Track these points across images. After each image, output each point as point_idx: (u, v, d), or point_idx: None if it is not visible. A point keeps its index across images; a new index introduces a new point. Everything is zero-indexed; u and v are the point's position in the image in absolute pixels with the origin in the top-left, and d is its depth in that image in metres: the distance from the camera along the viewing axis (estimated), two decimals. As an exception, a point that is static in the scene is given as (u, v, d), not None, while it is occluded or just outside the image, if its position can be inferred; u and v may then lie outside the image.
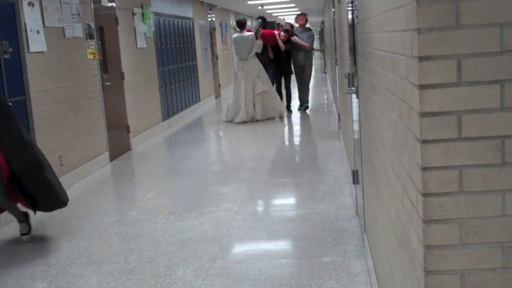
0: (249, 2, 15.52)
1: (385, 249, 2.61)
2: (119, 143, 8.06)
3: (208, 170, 7.18)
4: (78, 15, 6.90)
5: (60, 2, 6.45)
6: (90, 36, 7.21)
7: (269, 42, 10.80)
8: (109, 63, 7.90)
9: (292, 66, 11.42)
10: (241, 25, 10.70)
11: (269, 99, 10.40)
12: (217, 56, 15.73)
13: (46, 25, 6.11)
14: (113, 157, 7.74)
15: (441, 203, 1.57)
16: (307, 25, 11.93)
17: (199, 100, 13.26)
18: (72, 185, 6.44)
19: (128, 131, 8.51)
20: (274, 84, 10.94)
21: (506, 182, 1.54)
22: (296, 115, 11.08)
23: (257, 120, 10.26)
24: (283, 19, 25.46)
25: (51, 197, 4.63)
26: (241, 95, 10.24)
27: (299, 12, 12.61)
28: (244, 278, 3.68)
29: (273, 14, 23.00)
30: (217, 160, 8.08)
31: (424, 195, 1.57)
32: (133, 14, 9.10)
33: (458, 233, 1.58)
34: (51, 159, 6.03)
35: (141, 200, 5.77)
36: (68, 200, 4.81)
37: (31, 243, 4.64)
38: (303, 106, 11.48)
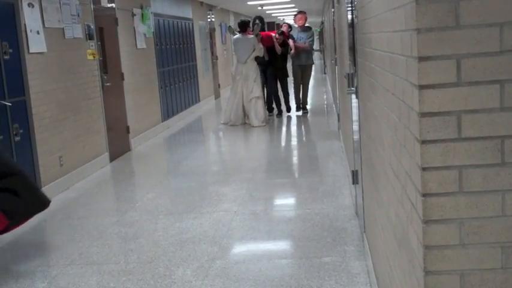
0: (249, 3, 15.53)
1: (385, 250, 2.61)
2: (118, 144, 8.06)
3: (208, 171, 7.18)
4: (78, 16, 6.90)
5: (60, 2, 6.45)
6: (89, 36, 7.21)
7: (265, 45, 10.50)
8: (109, 64, 7.90)
9: (292, 67, 11.06)
10: (243, 26, 10.35)
11: (261, 105, 10.11)
12: (216, 57, 15.73)
13: (46, 26, 6.11)
14: (112, 158, 7.74)
15: (441, 203, 1.57)
16: (307, 24, 11.58)
17: (199, 100, 13.26)
18: (72, 185, 6.44)
19: (128, 132, 8.51)
20: (265, 88, 10.62)
21: (505, 182, 1.54)
22: (296, 115, 10.98)
23: (245, 123, 10.10)
24: (283, 19, 25.47)
25: (26, 203, 4.24)
26: (238, 98, 10.08)
27: (297, 11, 12.02)
28: (244, 278, 3.68)
29: (273, 15, 23.01)
30: (217, 160, 8.08)
31: (424, 195, 1.57)
32: (133, 15, 9.10)
33: (458, 233, 1.58)
34: (51, 160, 6.05)
35: (140, 200, 5.77)
36: (47, 202, 4.43)
37: (31, 244, 4.64)
38: (302, 109, 11.12)
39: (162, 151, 9.00)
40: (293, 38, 10.97)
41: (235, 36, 10.52)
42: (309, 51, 11.14)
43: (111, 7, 8.23)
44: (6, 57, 5.36)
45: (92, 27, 7.30)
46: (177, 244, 4.36)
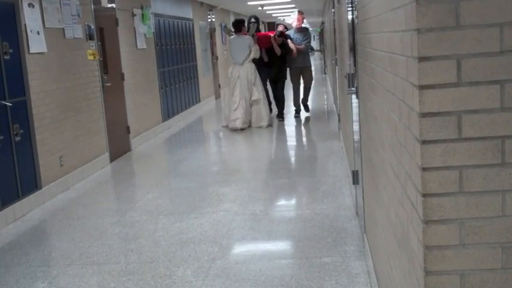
0: (249, 3, 15.52)
1: (385, 250, 2.61)
2: (119, 144, 8.06)
3: (208, 171, 7.18)
4: (78, 16, 6.90)
5: (60, 3, 6.46)
6: (90, 37, 7.21)
7: (263, 46, 10.15)
8: (109, 64, 7.90)
9: (288, 70, 10.69)
10: (238, 26, 10.05)
11: (262, 107, 9.83)
12: (217, 57, 15.74)
13: (46, 26, 6.11)
14: (113, 158, 7.74)
15: (441, 203, 1.57)
16: (304, 24, 11.20)
17: (199, 101, 13.27)
18: (72, 185, 6.44)
19: (128, 132, 8.51)
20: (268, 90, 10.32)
21: (506, 182, 1.54)
22: (295, 116, 10.84)
23: (249, 126, 9.80)
24: (283, 19, 25.48)
25: None
26: (238, 101, 9.70)
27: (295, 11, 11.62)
28: (244, 278, 3.68)
29: (273, 15, 23.02)
30: (217, 161, 8.08)
31: (424, 195, 1.57)
32: (133, 15, 9.10)
33: (458, 233, 1.57)
34: (51, 160, 6.06)
35: (141, 200, 5.77)
36: None
37: (32, 244, 4.64)
38: (302, 110, 10.79)
39: (162, 151, 9.00)
40: (290, 38, 10.54)
41: (231, 38, 10.23)
42: (305, 53, 10.73)
43: (112, 7, 8.23)
44: (6, 57, 5.36)
45: (92, 27, 7.31)
46: (177, 244, 4.36)
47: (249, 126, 9.81)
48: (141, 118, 9.13)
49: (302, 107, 10.94)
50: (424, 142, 1.55)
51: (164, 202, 5.69)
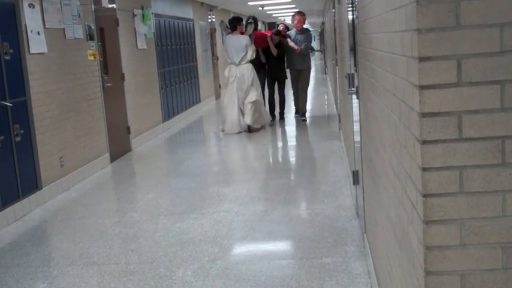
0: (250, 3, 15.53)
1: (385, 250, 2.61)
2: (119, 144, 8.06)
3: (208, 171, 7.18)
4: (79, 16, 6.90)
5: (60, 3, 6.46)
6: (90, 37, 7.21)
7: (260, 46, 9.78)
8: (109, 65, 7.90)
9: (288, 71, 10.40)
10: (234, 24, 9.59)
11: (259, 109, 9.44)
12: (217, 57, 15.74)
13: (46, 26, 6.12)
14: (113, 158, 7.75)
15: (441, 203, 1.57)
16: (305, 25, 10.84)
17: (200, 101, 13.27)
18: (72, 186, 6.44)
19: (129, 132, 8.52)
20: (266, 91, 10.02)
21: (506, 182, 1.54)
22: (295, 117, 10.85)
23: (245, 131, 9.37)
24: (284, 19, 25.49)
25: None
26: (234, 104, 9.34)
27: (295, 11, 10.91)
28: (245, 278, 3.68)
29: (273, 15, 23.02)
30: (217, 161, 8.08)
31: (424, 195, 1.57)
32: (134, 15, 9.10)
33: (458, 233, 1.57)
34: (51, 160, 6.06)
35: (141, 200, 5.77)
36: None
37: (32, 244, 4.64)
38: (300, 114, 10.46)
39: (162, 152, 9.00)
40: (290, 37, 10.21)
41: (226, 37, 9.81)
42: (304, 55, 10.34)
43: (112, 8, 8.23)
44: (6, 57, 5.36)
45: (93, 27, 7.31)
46: (177, 244, 4.36)
47: (245, 130, 9.39)
48: (142, 118, 9.13)
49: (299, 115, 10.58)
50: (424, 142, 1.55)
51: (164, 202, 5.69)
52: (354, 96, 4.32)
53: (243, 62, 9.38)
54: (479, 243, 1.57)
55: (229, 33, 9.74)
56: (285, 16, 23.89)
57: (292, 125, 10.31)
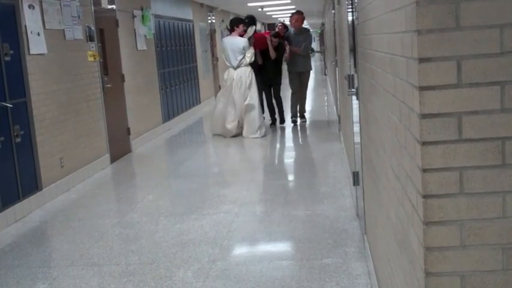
0: (249, 4, 15.54)
1: (386, 251, 2.61)
2: (119, 145, 8.06)
3: (208, 172, 7.18)
4: (79, 17, 6.90)
5: (60, 4, 6.46)
6: (90, 38, 7.22)
7: (258, 47, 9.34)
8: (109, 66, 7.91)
9: (288, 73, 9.98)
10: (232, 26, 9.25)
11: (254, 116, 9.00)
12: (217, 58, 15.74)
13: (46, 27, 6.12)
14: (113, 159, 7.74)
15: (441, 204, 1.57)
16: (304, 25, 10.48)
17: (200, 102, 13.27)
18: (72, 186, 6.44)
19: (129, 133, 8.52)
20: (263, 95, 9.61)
21: (506, 183, 1.54)
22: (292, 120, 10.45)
23: (241, 134, 9.06)
24: (283, 20, 25.49)
25: None
26: (233, 106, 8.98)
27: (294, 11, 10.46)
28: (245, 279, 3.68)
29: (273, 16, 23.03)
30: (217, 162, 8.08)
31: (425, 196, 1.57)
32: (134, 16, 9.10)
33: (458, 234, 1.57)
34: (51, 161, 6.06)
35: (141, 201, 5.77)
36: None
37: (32, 245, 4.64)
38: (300, 117, 10.13)
39: (162, 152, 9.00)
40: (289, 38, 9.76)
41: (224, 39, 9.43)
42: (306, 56, 9.96)
43: (112, 8, 8.24)
44: (6, 58, 5.36)
45: (93, 28, 7.31)
46: (177, 245, 4.36)
47: (241, 134, 9.07)
48: (142, 119, 9.13)
49: (298, 117, 10.21)
50: (424, 143, 1.55)
51: (165, 203, 5.69)
52: (354, 98, 4.32)
53: (241, 65, 9.02)
54: (480, 244, 1.57)
55: (227, 35, 9.50)
56: (285, 17, 23.89)
57: (292, 126, 10.30)
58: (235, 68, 9.04)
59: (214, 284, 3.64)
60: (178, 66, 11.66)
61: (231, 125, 9.04)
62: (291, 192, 5.91)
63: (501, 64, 1.49)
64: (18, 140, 5.46)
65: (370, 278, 3.48)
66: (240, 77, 8.97)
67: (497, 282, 1.58)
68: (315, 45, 36.79)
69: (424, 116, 1.54)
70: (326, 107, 12.92)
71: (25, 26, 5.71)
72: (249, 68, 9.05)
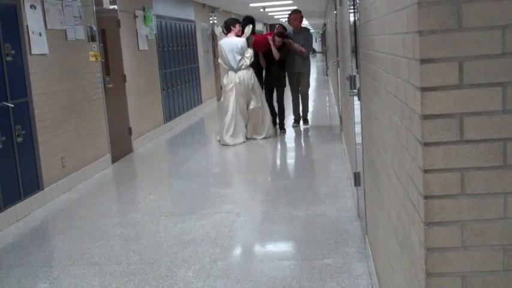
0: (251, 5, 15.54)
1: (387, 251, 2.61)
2: (120, 145, 8.07)
3: (209, 172, 7.19)
4: (80, 17, 6.91)
5: (62, 4, 6.47)
6: (92, 38, 7.22)
7: (261, 50, 8.99)
8: (111, 66, 7.91)
9: (287, 76, 9.62)
10: (227, 26, 8.89)
11: (261, 116, 8.76)
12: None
13: (48, 27, 6.12)
14: (114, 159, 7.75)
15: (443, 205, 1.57)
16: (306, 25, 10.70)
17: (201, 102, 13.28)
18: (74, 186, 6.45)
19: (130, 133, 8.52)
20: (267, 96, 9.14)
21: (508, 184, 1.54)
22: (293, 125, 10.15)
23: (247, 139, 8.76)
24: (285, 21, 25.47)
25: None
26: (234, 112, 8.60)
27: (292, 10, 10.12)
28: (246, 279, 3.68)
29: (275, 17, 23.02)
30: (218, 162, 8.08)
31: (426, 197, 1.57)
32: (135, 17, 9.11)
33: (459, 235, 1.58)
34: (53, 161, 6.06)
35: (142, 201, 5.77)
36: None
37: (33, 245, 4.65)
38: (301, 120, 9.90)
39: (164, 153, 9.01)
40: (291, 38, 9.47)
41: (221, 41, 8.91)
42: (305, 57, 9.65)
43: (113, 9, 8.24)
44: (8, 58, 5.37)
45: (94, 28, 7.32)
46: (179, 245, 4.36)
47: (245, 140, 8.73)
48: (143, 119, 9.14)
49: (301, 120, 9.98)
50: (425, 144, 1.55)
51: (166, 203, 5.69)
52: (356, 98, 4.32)
53: (242, 67, 8.61)
54: (481, 245, 1.57)
55: (223, 38, 8.95)
56: (286, 18, 23.87)
57: (294, 126, 10.28)
58: (235, 71, 8.63)
59: (215, 284, 3.64)
60: (180, 67, 11.66)
61: (229, 137, 8.60)
62: (292, 192, 5.91)
63: (503, 65, 1.49)
64: (20, 139, 5.47)
65: (371, 278, 3.48)
66: (243, 80, 8.58)
67: (498, 282, 1.58)
68: (316, 45, 36.81)
69: (425, 117, 1.54)
70: (328, 108, 12.91)
71: (27, 26, 5.72)
72: (251, 70, 8.70)
